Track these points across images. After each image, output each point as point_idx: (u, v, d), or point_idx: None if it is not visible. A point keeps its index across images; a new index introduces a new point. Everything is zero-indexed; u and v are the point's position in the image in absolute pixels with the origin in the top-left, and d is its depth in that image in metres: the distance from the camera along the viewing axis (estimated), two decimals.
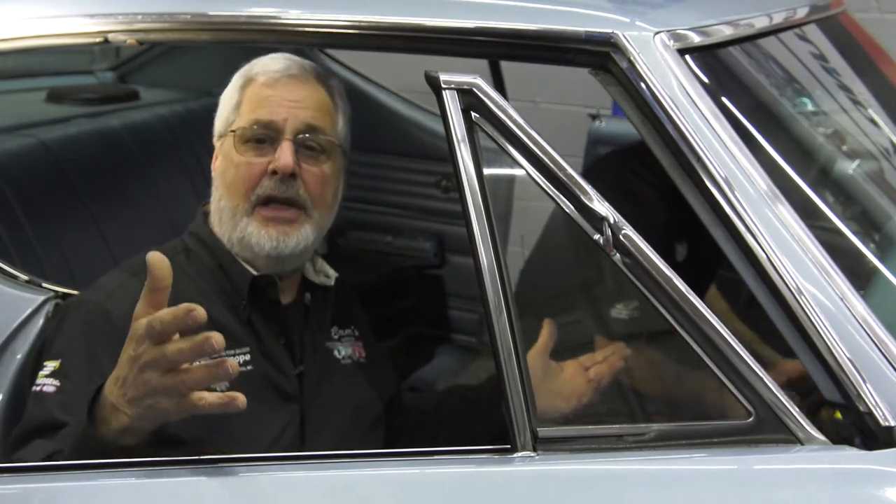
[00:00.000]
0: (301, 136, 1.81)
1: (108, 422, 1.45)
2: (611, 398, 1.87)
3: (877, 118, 2.08)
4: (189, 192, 2.86)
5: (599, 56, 1.56)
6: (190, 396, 1.39)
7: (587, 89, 2.01)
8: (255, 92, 1.84)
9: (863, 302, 1.45)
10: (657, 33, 1.56)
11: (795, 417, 1.44)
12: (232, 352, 1.78)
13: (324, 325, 1.95)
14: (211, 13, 1.72)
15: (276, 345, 1.84)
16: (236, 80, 1.89)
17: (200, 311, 1.34)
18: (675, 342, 1.47)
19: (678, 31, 1.59)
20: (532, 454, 1.46)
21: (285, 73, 1.84)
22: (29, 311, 1.76)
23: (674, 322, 1.47)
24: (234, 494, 1.44)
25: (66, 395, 1.62)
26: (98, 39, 1.75)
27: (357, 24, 1.65)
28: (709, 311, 1.46)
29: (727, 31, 1.71)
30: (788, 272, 1.45)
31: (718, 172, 1.49)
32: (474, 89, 1.52)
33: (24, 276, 1.82)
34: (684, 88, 1.53)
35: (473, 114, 1.52)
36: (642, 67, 1.53)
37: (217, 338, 1.35)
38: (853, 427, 1.43)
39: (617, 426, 1.52)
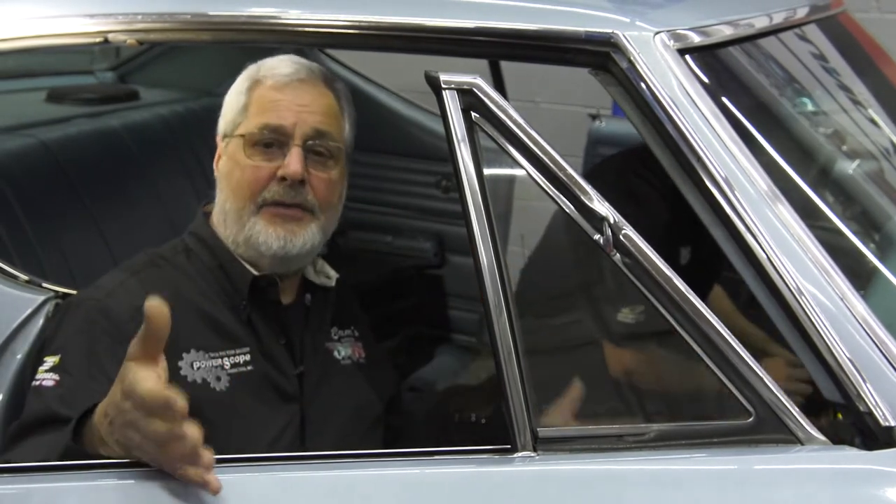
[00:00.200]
0: (310, 141, 1.80)
1: (94, 444, 1.46)
2: (611, 398, 1.87)
3: (877, 118, 2.08)
4: (189, 192, 2.86)
5: (599, 56, 1.56)
6: (169, 465, 1.41)
7: (587, 89, 2.01)
8: (264, 95, 1.83)
9: (863, 302, 1.45)
10: (657, 33, 1.56)
11: (795, 417, 1.44)
12: (232, 352, 1.78)
13: (324, 326, 1.95)
14: (211, 13, 1.72)
15: (276, 345, 1.84)
16: (243, 81, 1.88)
17: (180, 406, 1.32)
18: (675, 342, 1.48)
19: (678, 31, 1.59)
20: (532, 454, 1.46)
21: (294, 77, 1.84)
22: (29, 311, 1.76)
23: (674, 322, 1.47)
24: (235, 494, 1.44)
25: (65, 390, 1.62)
26: (98, 39, 1.75)
27: (357, 24, 1.65)
28: (709, 311, 1.46)
29: (727, 31, 1.71)
30: (788, 272, 1.45)
31: (718, 172, 1.49)
32: (474, 89, 1.52)
33: (24, 276, 1.82)
34: (684, 88, 1.53)
35: (473, 114, 1.52)
36: (642, 67, 1.53)
37: (193, 436, 1.35)
38: (853, 427, 1.43)
39: (617, 426, 1.52)
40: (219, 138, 1.89)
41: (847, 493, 1.40)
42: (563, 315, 1.99)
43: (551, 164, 1.50)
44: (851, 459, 1.42)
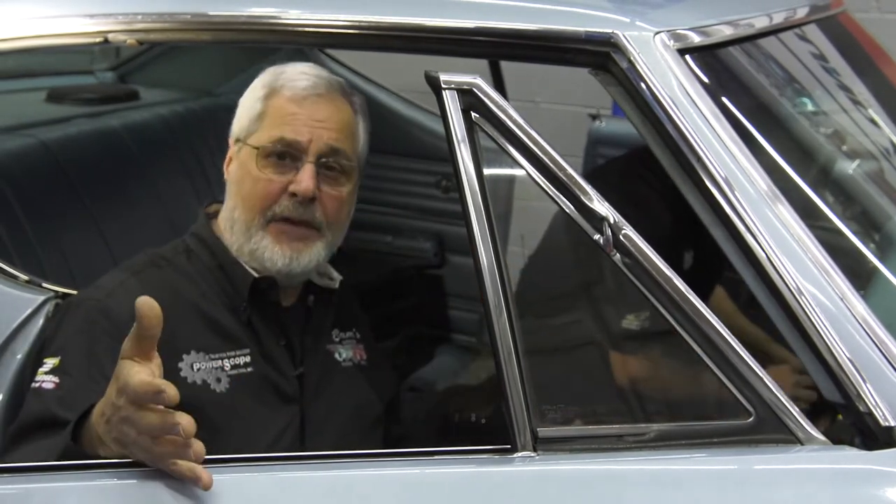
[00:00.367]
0: (324, 158, 1.80)
1: (93, 444, 1.46)
2: (611, 398, 1.87)
3: (877, 118, 2.08)
4: (189, 192, 2.86)
5: (599, 56, 1.56)
6: (162, 460, 1.41)
7: (587, 89, 2.01)
8: (281, 106, 1.82)
9: (863, 302, 1.45)
10: (657, 33, 1.56)
11: (795, 417, 1.44)
12: (232, 353, 1.78)
13: (325, 328, 1.94)
14: (211, 13, 1.72)
15: (276, 346, 1.84)
16: (260, 87, 1.85)
17: (171, 393, 1.33)
18: (675, 342, 1.47)
19: (678, 31, 1.59)
20: (532, 454, 1.46)
21: (313, 92, 1.82)
22: (29, 311, 1.76)
23: (674, 322, 1.47)
24: (234, 494, 1.44)
25: (65, 392, 1.62)
26: (98, 39, 1.74)
27: (357, 24, 1.65)
28: (709, 311, 1.46)
29: (727, 31, 1.71)
30: (788, 272, 1.45)
31: (718, 172, 1.49)
32: (474, 89, 1.52)
33: (24, 276, 1.82)
34: (684, 88, 1.53)
35: (473, 114, 1.52)
36: (642, 67, 1.53)
37: (186, 425, 1.35)
38: (853, 427, 1.43)
39: (617, 426, 1.52)
40: (231, 140, 1.88)
41: (847, 493, 1.40)
42: (564, 315, 1.99)
43: (551, 164, 1.50)
44: (851, 459, 1.42)
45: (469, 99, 1.52)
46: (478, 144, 1.52)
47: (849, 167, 1.89)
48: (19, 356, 1.74)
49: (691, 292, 1.46)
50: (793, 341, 1.46)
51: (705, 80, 1.57)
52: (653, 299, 1.47)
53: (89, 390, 1.56)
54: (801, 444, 1.44)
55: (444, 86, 1.52)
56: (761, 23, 1.80)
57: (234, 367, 1.77)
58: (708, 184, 1.49)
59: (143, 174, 2.82)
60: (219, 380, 1.75)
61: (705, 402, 1.58)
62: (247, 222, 1.81)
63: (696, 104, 1.52)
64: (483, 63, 2.74)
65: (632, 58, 1.54)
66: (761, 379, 1.44)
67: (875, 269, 1.69)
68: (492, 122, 1.52)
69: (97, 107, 3.06)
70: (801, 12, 1.95)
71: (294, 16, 1.68)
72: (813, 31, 2.01)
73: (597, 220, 1.49)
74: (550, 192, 1.51)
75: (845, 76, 2.13)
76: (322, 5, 1.69)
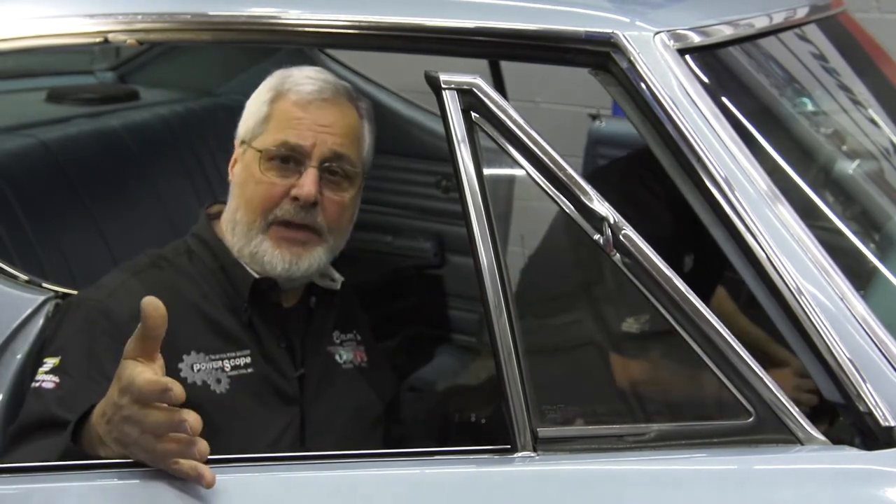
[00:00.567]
0: (327, 163, 1.80)
1: (93, 445, 1.46)
2: (611, 398, 1.87)
3: (877, 118, 2.08)
4: (189, 192, 2.85)
5: (599, 56, 1.56)
6: (165, 459, 1.40)
7: (587, 89, 2.01)
8: (286, 110, 1.82)
9: (863, 302, 1.45)
10: (657, 33, 1.56)
11: (795, 417, 1.44)
12: (232, 354, 1.78)
13: (326, 329, 1.94)
14: (211, 13, 1.72)
15: (276, 348, 1.84)
16: (266, 90, 1.86)
17: (178, 391, 1.33)
18: (675, 342, 1.47)
19: (678, 31, 1.59)
20: (532, 454, 1.46)
21: (318, 97, 1.82)
22: (29, 311, 1.76)
23: (674, 322, 1.47)
24: (236, 494, 1.44)
25: (65, 392, 1.62)
26: (98, 39, 1.74)
27: (357, 24, 1.65)
28: (708, 311, 1.46)
29: (727, 31, 1.71)
30: (788, 272, 1.45)
31: (718, 172, 1.49)
32: (474, 89, 1.52)
33: (24, 276, 1.82)
34: (684, 88, 1.53)
35: (473, 114, 1.52)
36: (642, 67, 1.53)
37: (193, 422, 1.35)
38: (853, 427, 1.43)
39: (617, 426, 1.52)
40: (237, 142, 1.88)
41: (847, 493, 1.40)
42: (564, 315, 1.99)
43: (551, 164, 1.50)
44: (851, 459, 1.42)
45: (469, 99, 1.52)
46: (478, 144, 1.52)
47: (849, 167, 1.89)
48: (19, 356, 1.74)
49: (691, 292, 1.46)
50: (793, 341, 1.46)
51: (705, 80, 1.57)
52: (653, 299, 1.47)
53: (89, 390, 1.56)
54: (801, 444, 1.44)
55: (444, 86, 1.52)
56: (761, 23, 1.80)
57: (234, 367, 1.77)
58: (708, 184, 1.49)
59: (143, 174, 2.82)
60: (219, 380, 1.75)
61: (705, 403, 1.58)
62: (248, 224, 1.81)
63: (696, 104, 1.52)
64: (483, 63, 2.74)
65: (632, 58, 1.54)
66: (761, 379, 1.44)
67: (875, 269, 1.69)
68: (492, 122, 1.52)
69: (97, 107, 3.06)
70: (801, 12, 1.95)
71: (294, 16, 1.68)
72: (813, 31, 2.01)
73: (597, 220, 1.49)
74: (550, 192, 1.51)
75: (845, 76, 2.13)
76: (322, 5, 1.69)
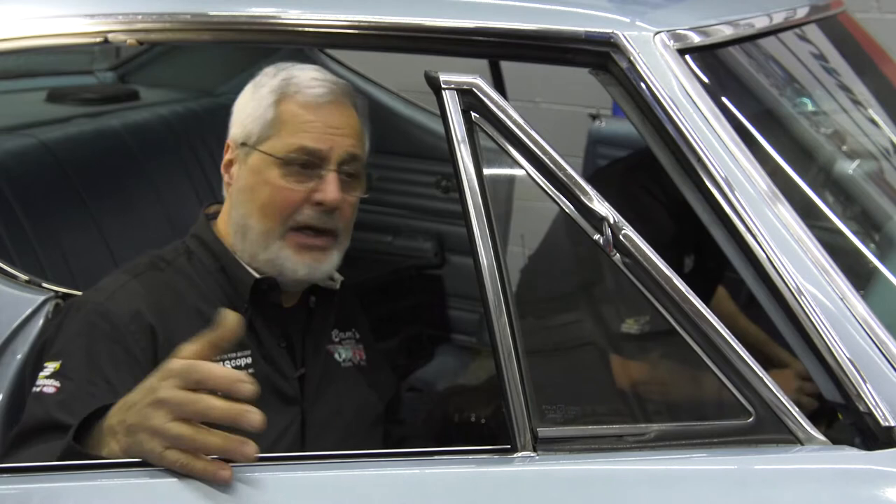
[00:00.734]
0: (345, 166, 1.81)
1: (96, 446, 1.45)
2: (611, 398, 1.87)
3: (877, 118, 2.08)
4: (189, 192, 2.86)
5: (599, 56, 1.56)
6: (175, 453, 1.36)
7: (587, 89, 2.01)
8: (296, 114, 1.81)
9: (863, 302, 1.45)
10: (657, 33, 1.56)
11: (795, 417, 1.44)
12: (233, 354, 1.78)
13: (326, 329, 1.94)
14: (211, 13, 1.72)
15: (276, 348, 1.84)
16: (269, 93, 1.84)
17: (249, 389, 1.30)
18: (675, 342, 1.47)
19: (678, 31, 1.59)
20: (532, 454, 1.46)
21: (326, 99, 1.82)
22: (29, 311, 1.76)
23: (673, 322, 1.46)
24: (236, 494, 1.44)
25: (66, 396, 1.61)
26: (98, 39, 1.75)
27: (357, 24, 1.65)
28: (708, 311, 1.46)
29: (727, 31, 1.71)
30: (788, 272, 1.45)
31: (718, 172, 1.49)
32: (474, 89, 1.52)
33: (24, 276, 1.82)
34: (684, 88, 1.53)
35: (473, 114, 1.52)
36: (642, 67, 1.53)
37: (259, 418, 1.31)
38: (853, 427, 1.43)
39: (617, 426, 1.52)
40: (231, 143, 1.87)
41: (847, 493, 1.40)
42: (564, 315, 1.99)
43: (551, 164, 1.50)
44: (851, 459, 1.42)
45: (469, 99, 1.52)
46: (478, 144, 1.52)
47: (849, 167, 1.89)
48: (19, 356, 1.74)
49: (691, 292, 1.46)
50: (793, 341, 1.46)
51: (705, 80, 1.57)
52: (652, 299, 1.47)
53: (90, 394, 1.56)
54: (801, 444, 1.44)
55: (444, 86, 1.52)
56: (761, 23, 1.80)
57: (234, 368, 1.77)
58: (708, 184, 1.49)
59: (143, 174, 2.83)
60: None
61: (705, 403, 1.58)
62: (264, 231, 1.80)
63: (696, 104, 1.52)
64: (483, 63, 2.74)
65: (632, 58, 1.54)
66: (761, 379, 1.44)
67: (875, 269, 1.69)
68: (492, 122, 1.52)
69: (97, 107, 3.07)
70: (801, 12, 1.95)
71: (294, 16, 1.68)
72: (813, 31, 2.01)
73: (597, 220, 1.49)
74: (550, 192, 1.51)
75: (845, 76, 2.13)
76: (322, 5, 1.69)
